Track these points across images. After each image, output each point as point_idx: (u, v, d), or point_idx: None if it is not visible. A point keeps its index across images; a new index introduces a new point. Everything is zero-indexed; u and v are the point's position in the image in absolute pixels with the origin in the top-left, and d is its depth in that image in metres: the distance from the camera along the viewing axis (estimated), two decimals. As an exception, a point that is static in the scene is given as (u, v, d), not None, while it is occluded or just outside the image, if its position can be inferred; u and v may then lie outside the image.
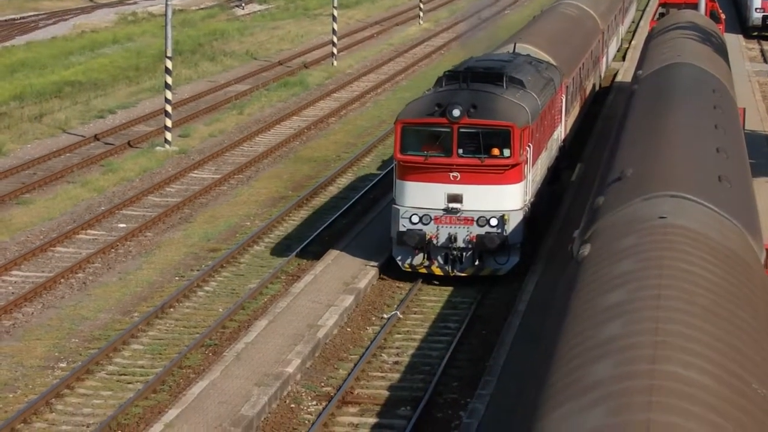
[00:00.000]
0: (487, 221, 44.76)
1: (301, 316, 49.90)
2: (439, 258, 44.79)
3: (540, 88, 52.08)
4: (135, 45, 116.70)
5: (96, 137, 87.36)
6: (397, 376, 46.78)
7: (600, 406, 19.43)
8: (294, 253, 62.32)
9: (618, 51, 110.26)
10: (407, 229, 45.18)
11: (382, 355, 48.47)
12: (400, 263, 45.41)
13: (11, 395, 45.86)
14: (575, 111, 68.70)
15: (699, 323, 25.99)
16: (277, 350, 48.92)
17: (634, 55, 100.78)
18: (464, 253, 44.56)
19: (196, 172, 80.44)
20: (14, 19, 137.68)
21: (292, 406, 46.19)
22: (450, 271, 44.70)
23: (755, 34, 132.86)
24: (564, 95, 61.18)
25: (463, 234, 44.85)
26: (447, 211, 44.63)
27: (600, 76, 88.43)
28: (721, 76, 66.02)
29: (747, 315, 29.26)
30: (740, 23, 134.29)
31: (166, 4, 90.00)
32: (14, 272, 60.01)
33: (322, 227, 64.84)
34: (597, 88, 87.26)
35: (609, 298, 28.72)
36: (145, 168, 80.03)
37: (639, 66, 77.35)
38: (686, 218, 35.22)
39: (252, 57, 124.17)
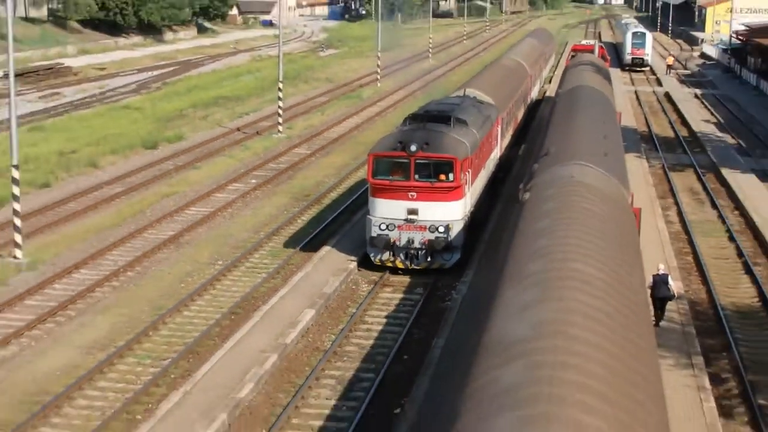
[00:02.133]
0: (437, 228, 43.73)
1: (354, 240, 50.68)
2: (401, 255, 44.43)
3: (479, 125, 51.66)
4: (260, 74, 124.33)
5: (238, 129, 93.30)
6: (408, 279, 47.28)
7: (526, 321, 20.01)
8: (355, 195, 63.86)
9: (542, 85, 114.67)
10: (377, 234, 44.45)
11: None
12: (372, 258, 45.06)
13: (189, 279, 47.98)
14: (509, 134, 67.83)
15: (594, 240, 28.40)
16: (346, 252, 49.83)
17: (556, 81, 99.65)
18: (419, 252, 44.14)
19: (296, 149, 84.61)
20: (191, 60, 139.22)
21: (353, 287, 46.84)
22: (409, 265, 44.32)
23: (627, 68, 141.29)
24: (499, 126, 60.64)
25: (419, 238, 44.03)
26: (406, 221, 43.81)
27: (527, 106, 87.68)
28: (606, 93, 71.63)
29: (621, 232, 32.42)
30: (619, 61, 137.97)
31: (279, 51, 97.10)
32: (191, 208, 62.16)
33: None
34: (524, 118, 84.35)
35: (538, 224, 31.02)
36: (266, 147, 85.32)
37: (559, 87, 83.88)
38: (585, 177, 38.09)
39: (329, 81, 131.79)
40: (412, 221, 44.33)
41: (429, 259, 45.04)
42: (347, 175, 72.08)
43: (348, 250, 50.04)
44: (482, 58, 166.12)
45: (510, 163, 69.81)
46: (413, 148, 43.52)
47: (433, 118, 48.64)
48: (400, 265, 45.41)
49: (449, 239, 44.74)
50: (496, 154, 60.70)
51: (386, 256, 45.30)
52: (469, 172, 46.28)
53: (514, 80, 78.91)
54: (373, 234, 44.83)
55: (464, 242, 45.99)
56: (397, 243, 44.80)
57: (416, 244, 44.72)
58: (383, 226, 44.56)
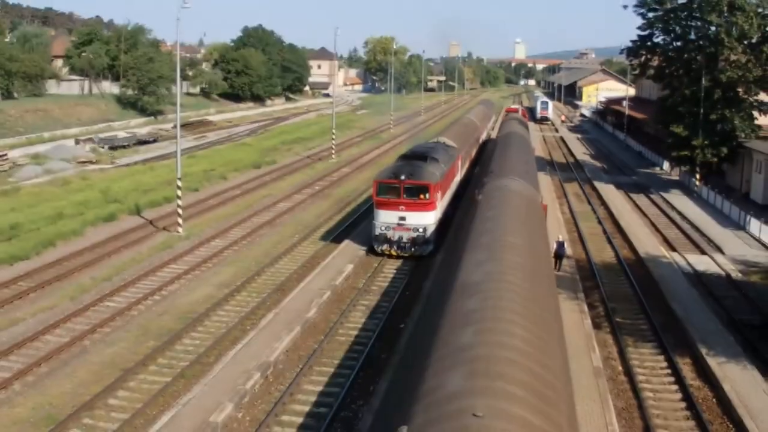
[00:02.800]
0: (418, 229, 42.68)
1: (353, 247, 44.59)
2: (395, 246, 42.78)
3: (446, 161, 50.39)
4: (321, 125, 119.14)
5: (308, 157, 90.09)
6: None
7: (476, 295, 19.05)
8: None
9: (489, 132, 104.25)
10: (379, 233, 43.05)
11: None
12: (375, 248, 43.07)
13: (279, 245, 46.75)
14: (466, 166, 65.32)
15: (519, 222, 28.63)
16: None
17: (497, 129, 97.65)
18: (407, 245, 42.67)
19: (342, 168, 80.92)
20: (281, 116, 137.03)
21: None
22: (400, 253, 42.57)
23: (537, 122, 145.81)
24: (460, 160, 58.77)
25: (406, 235, 42.71)
26: (398, 224, 42.69)
27: (479, 145, 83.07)
28: (526, 137, 72.03)
29: (535, 218, 32.40)
30: (533, 118, 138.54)
31: (333, 111, 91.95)
32: (280, 204, 60.34)
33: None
34: (478, 152, 79.98)
35: (487, 213, 30.30)
36: (325, 167, 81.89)
37: (498, 132, 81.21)
38: (515, 185, 37.96)
39: (362, 128, 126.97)
40: (402, 225, 43.12)
41: (413, 249, 43.31)
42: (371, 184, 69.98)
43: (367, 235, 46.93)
44: (452, 114, 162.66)
45: (468, 181, 63.99)
46: (402, 176, 42.97)
47: (416, 156, 48.17)
48: (394, 254, 43.51)
49: (426, 236, 43.43)
50: (458, 178, 58.87)
51: (385, 247, 43.52)
52: (439, 192, 45.22)
53: (470, 131, 76.56)
54: (376, 233, 43.46)
55: (436, 238, 44.60)
56: (392, 239, 43.30)
57: (404, 240, 43.26)
58: (383, 228, 43.29)
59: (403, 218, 43.36)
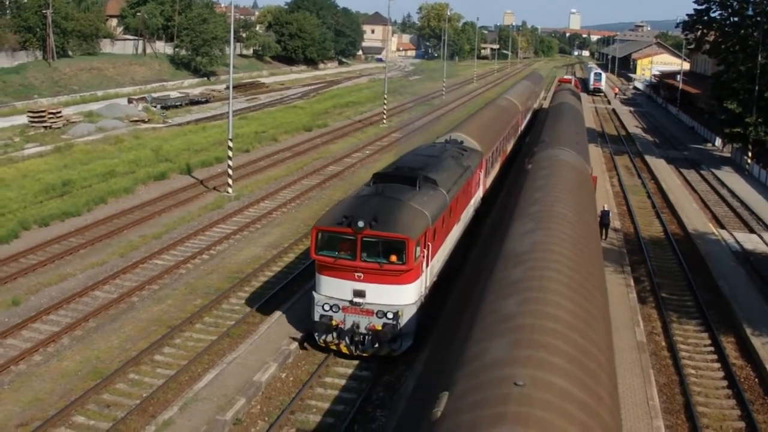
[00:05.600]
0: (384, 314, 25.59)
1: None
2: (346, 339, 26.01)
3: (453, 180, 32.22)
4: (373, 89, 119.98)
5: (359, 121, 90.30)
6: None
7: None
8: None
9: (539, 102, 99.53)
10: (322, 315, 26.01)
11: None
12: (316, 338, 26.46)
13: (323, 211, 43.52)
14: (495, 169, 47.63)
15: (568, 193, 28.02)
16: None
17: (549, 99, 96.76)
18: (365, 338, 25.85)
19: (394, 133, 79.51)
20: (333, 80, 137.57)
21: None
22: (354, 351, 26.17)
23: (590, 93, 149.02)
24: (483, 169, 40.66)
25: (365, 323, 25.73)
26: (352, 303, 25.66)
27: (517, 136, 63.87)
28: (578, 107, 69.96)
29: (584, 190, 31.69)
30: (585, 89, 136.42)
31: (385, 76, 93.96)
32: (330, 167, 60.45)
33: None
34: (516, 143, 62.92)
35: (536, 183, 30.13)
36: (376, 132, 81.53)
37: (550, 102, 78.86)
38: (565, 156, 37.61)
39: (414, 94, 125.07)
40: (358, 304, 25.69)
41: (376, 345, 25.89)
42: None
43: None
44: (504, 83, 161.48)
45: (496, 192, 47.96)
46: (360, 224, 25.01)
47: (399, 178, 29.32)
48: (345, 350, 26.39)
49: (398, 327, 25.71)
50: (478, 196, 40.82)
51: (330, 338, 26.33)
52: (428, 246, 26.90)
53: (505, 118, 56.98)
54: (317, 316, 26.16)
55: (417, 327, 26.51)
56: (342, 326, 25.97)
57: (362, 329, 25.83)
58: (327, 307, 25.98)
59: (360, 293, 25.84)
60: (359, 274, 25.47)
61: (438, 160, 34.05)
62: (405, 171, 30.65)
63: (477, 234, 39.60)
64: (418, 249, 25.66)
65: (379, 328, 25.67)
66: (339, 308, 25.87)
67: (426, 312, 27.77)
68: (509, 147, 57.72)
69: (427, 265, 27.10)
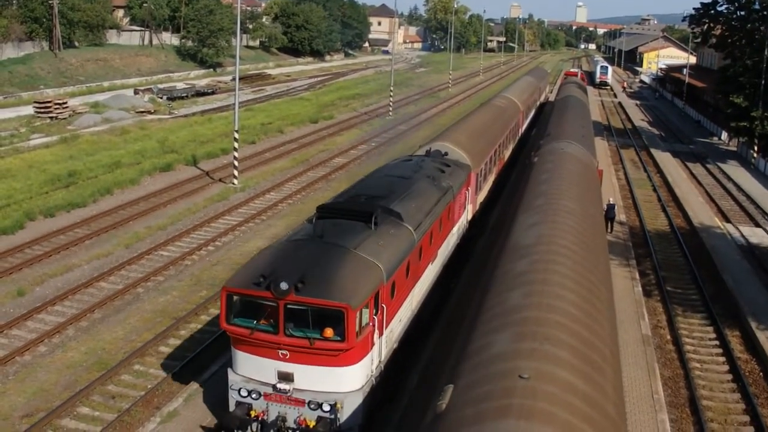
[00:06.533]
0: (319, 405, 17.99)
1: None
2: None
3: (426, 211, 24.21)
4: (380, 82, 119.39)
5: (365, 113, 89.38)
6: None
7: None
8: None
9: (532, 116, 74.83)
10: (238, 403, 18.58)
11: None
12: None
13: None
14: (489, 182, 40.10)
15: (574, 186, 27.82)
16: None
17: (555, 92, 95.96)
18: None
19: (400, 126, 79.22)
20: (339, 72, 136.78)
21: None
22: None
23: (596, 87, 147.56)
24: (471, 186, 32.93)
25: (294, 415, 18.17)
26: (276, 389, 18.17)
27: (517, 139, 56.04)
28: (584, 101, 69.44)
29: (590, 183, 31.28)
30: (591, 82, 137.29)
31: (392, 68, 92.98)
32: (336, 159, 60.56)
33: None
34: (515, 149, 54.16)
35: (542, 177, 29.92)
36: (382, 124, 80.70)
37: (556, 95, 78.42)
38: (569, 149, 37.28)
39: (420, 87, 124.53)
40: (284, 391, 18.44)
41: None
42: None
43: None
44: (509, 76, 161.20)
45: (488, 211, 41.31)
46: (283, 286, 17.51)
47: (350, 213, 21.33)
48: None
49: (338, 422, 18.37)
50: (464, 220, 32.96)
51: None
52: (383, 308, 19.33)
53: (503, 120, 49.46)
54: (231, 405, 19.00)
55: (364, 419, 18.91)
56: (265, 418, 18.71)
57: (290, 423, 18.59)
58: (244, 392, 18.78)
59: (286, 376, 18.64)
60: (284, 352, 18.41)
61: (408, 183, 26.52)
62: (359, 202, 23.56)
63: (461, 267, 32.98)
64: (366, 316, 18.66)
65: (312, 423, 18.64)
66: (260, 394, 18.93)
67: (381, 395, 20.51)
68: (507, 154, 50.62)
69: (380, 335, 19.81)
